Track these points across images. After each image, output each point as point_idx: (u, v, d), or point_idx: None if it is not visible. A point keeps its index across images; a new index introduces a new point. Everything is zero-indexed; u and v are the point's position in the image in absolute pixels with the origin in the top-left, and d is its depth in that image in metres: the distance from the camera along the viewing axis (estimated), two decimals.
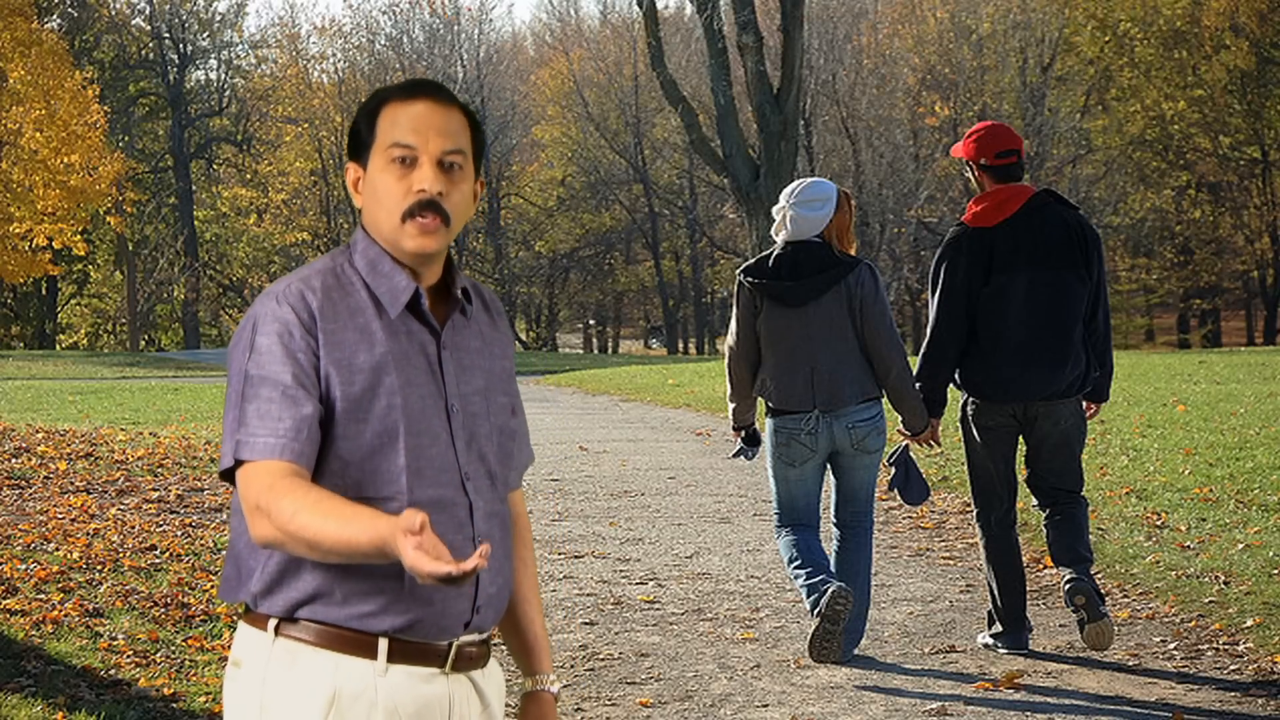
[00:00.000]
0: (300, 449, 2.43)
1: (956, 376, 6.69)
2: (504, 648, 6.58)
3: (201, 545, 8.97)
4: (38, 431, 14.72)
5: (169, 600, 7.39)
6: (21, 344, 57.79)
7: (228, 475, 2.49)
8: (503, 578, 2.60)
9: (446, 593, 2.50)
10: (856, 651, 6.66)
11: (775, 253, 6.63)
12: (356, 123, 2.59)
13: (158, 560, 8.42)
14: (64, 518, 9.62)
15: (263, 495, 2.38)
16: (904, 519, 10.33)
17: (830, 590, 6.28)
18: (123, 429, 15.99)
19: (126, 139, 57.05)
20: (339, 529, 2.29)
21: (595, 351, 63.12)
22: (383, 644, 2.48)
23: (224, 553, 8.80)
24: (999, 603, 6.69)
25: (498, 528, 2.59)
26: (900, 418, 6.70)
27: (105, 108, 43.29)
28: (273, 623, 2.50)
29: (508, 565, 2.62)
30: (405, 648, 2.49)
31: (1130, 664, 6.46)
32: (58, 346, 59.16)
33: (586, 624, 7.38)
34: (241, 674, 2.53)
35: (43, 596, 7.26)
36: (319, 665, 2.48)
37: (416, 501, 2.48)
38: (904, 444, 6.86)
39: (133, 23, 60.45)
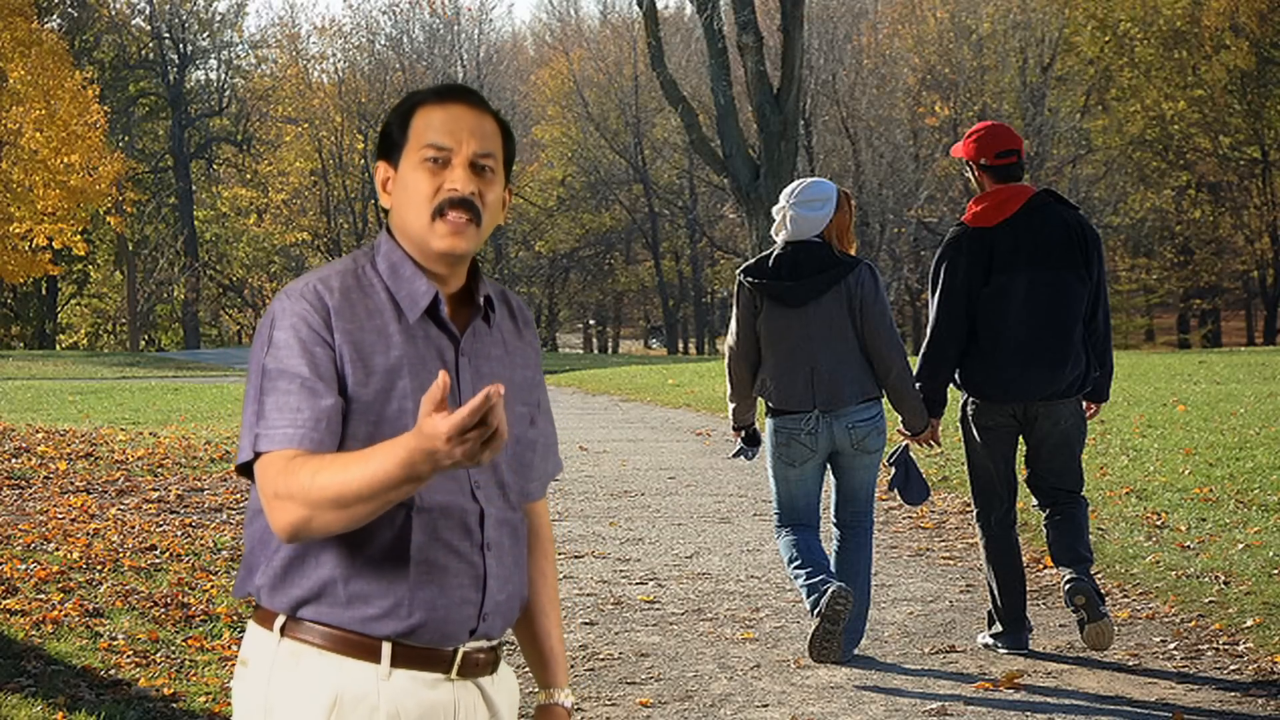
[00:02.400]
0: (320, 438, 2.42)
1: (956, 376, 6.69)
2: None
3: (201, 545, 8.97)
4: (38, 431, 14.72)
5: (169, 600, 7.38)
6: (21, 344, 57.80)
7: (245, 470, 2.49)
8: (513, 585, 2.59)
9: (451, 597, 2.50)
10: (856, 651, 6.66)
11: (775, 253, 6.63)
12: (388, 123, 2.59)
13: (158, 560, 8.42)
14: (64, 518, 9.63)
15: (278, 480, 2.37)
16: (904, 519, 10.33)
17: (830, 590, 6.28)
18: (123, 429, 15.98)
19: (126, 139, 57.08)
20: (362, 470, 2.27)
21: (595, 351, 63.14)
22: (386, 648, 2.48)
23: (223, 553, 8.80)
24: (999, 603, 6.69)
25: (508, 536, 2.58)
26: (900, 418, 6.70)
27: (105, 108, 43.30)
28: (279, 622, 2.50)
29: (518, 574, 2.61)
30: (409, 652, 2.49)
31: (1130, 664, 6.46)
32: (58, 346, 59.17)
33: (586, 624, 7.38)
34: (248, 673, 2.54)
35: (43, 596, 7.26)
36: (322, 667, 2.48)
37: (423, 506, 2.48)
38: (904, 444, 6.86)
39: (133, 23, 60.47)
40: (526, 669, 6.44)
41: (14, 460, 12.21)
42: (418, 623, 2.48)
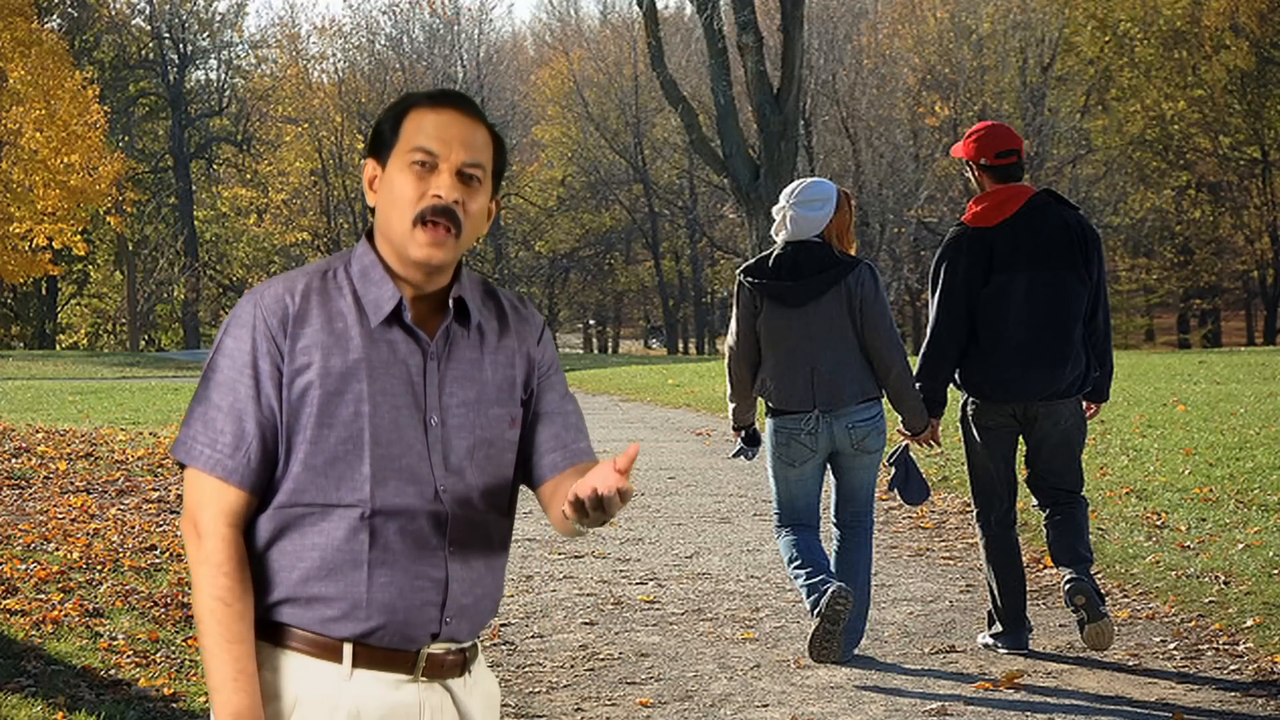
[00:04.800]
0: (235, 466, 2.49)
1: (956, 376, 6.69)
2: (503, 660, 6.54)
3: None
4: (38, 431, 14.73)
5: (169, 600, 7.39)
6: (21, 344, 57.80)
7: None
8: (482, 589, 2.58)
9: (410, 601, 2.51)
10: (856, 651, 6.66)
11: (775, 253, 6.63)
12: (381, 122, 2.60)
13: (158, 560, 8.42)
14: (64, 518, 9.63)
15: (198, 514, 2.49)
16: (904, 519, 10.33)
17: (830, 590, 6.28)
18: (123, 429, 15.98)
19: (126, 139, 57.05)
20: (215, 668, 2.45)
21: (595, 351, 63.11)
22: (347, 649, 2.49)
23: None
24: (999, 603, 6.69)
25: (479, 539, 2.58)
26: (900, 418, 6.70)
27: (105, 108, 43.26)
28: None
29: (489, 577, 2.60)
30: (371, 653, 2.50)
31: (1130, 664, 6.46)
32: (58, 346, 59.16)
33: (586, 624, 7.38)
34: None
35: (43, 596, 7.27)
36: (287, 667, 2.50)
37: (379, 509, 2.49)
38: (904, 444, 6.86)
39: (133, 23, 60.44)
40: (517, 669, 6.44)
41: (14, 460, 12.21)
42: (377, 625, 2.49)
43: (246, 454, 2.48)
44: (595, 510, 2.39)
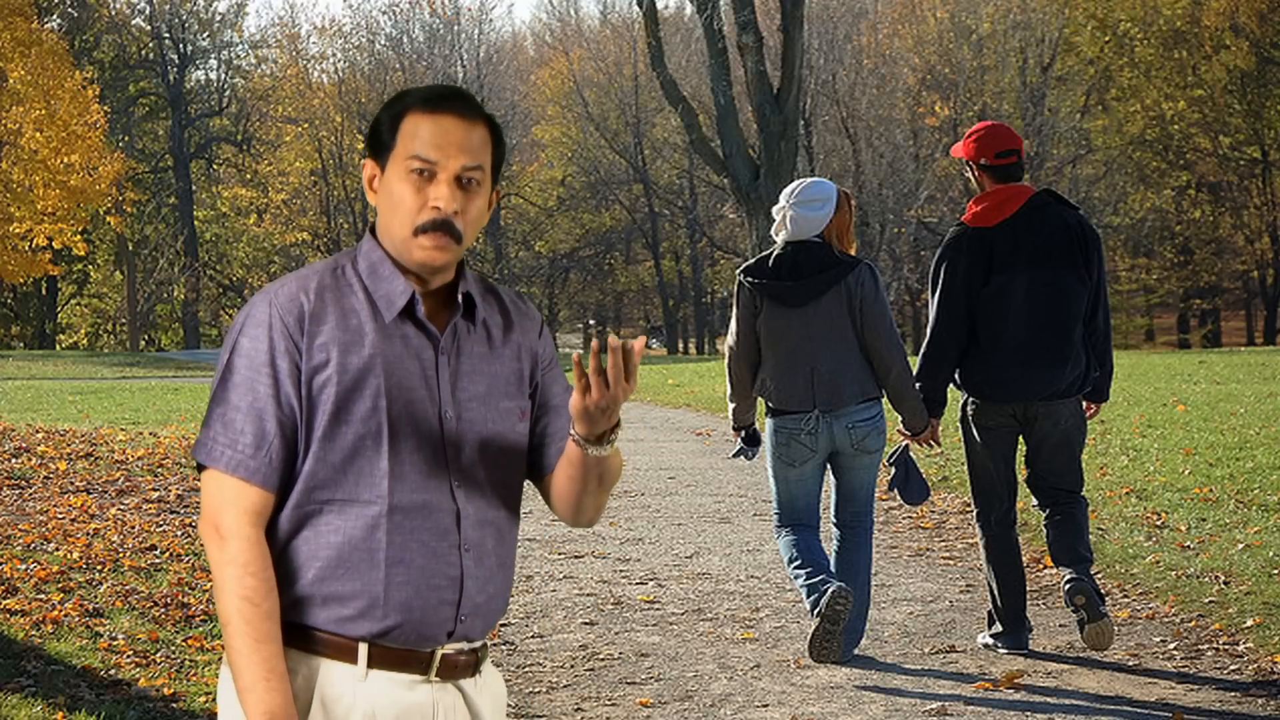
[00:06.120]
0: (257, 466, 2.48)
1: (956, 376, 6.69)
2: (503, 660, 6.55)
3: (201, 545, 8.97)
4: (38, 431, 14.72)
5: (169, 600, 7.39)
6: (21, 344, 57.80)
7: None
8: (494, 587, 2.58)
9: (427, 599, 2.50)
10: (856, 651, 6.66)
11: (775, 253, 6.63)
12: (378, 121, 2.59)
13: (158, 560, 8.42)
14: (64, 518, 9.63)
15: (232, 537, 2.46)
16: (904, 519, 10.33)
17: (830, 590, 6.28)
18: (123, 429, 15.98)
19: (126, 139, 57.05)
20: (245, 668, 2.41)
21: None
22: (362, 649, 2.49)
23: None
24: (999, 603, 6.69)
25: (491, 536, 2.58)
26: (900, 418, 6.70)
27: (105, 108, 43.25)
28: None
29: (501, 575, 2.60)
30: (386, 654, 2.50)
31: (1130, 664, 6.46)
32: (58, 346, 59.16)
33: (586, 624, 7.38)
34: (230, 674, 2.55)
35: (43, 596, 7.26)
36: (301, 669, 2.49)
37: (397, 505, 2.49)
38: (904, 444, 6.86)
39: (133, 23, 60.45)
40: (517, 669, 6.44)
41: (14, 460, 12.20)
42: (393, 624, 2.48)
43: (268, 453, 2.48)
44: (597, 376, 2.43)
